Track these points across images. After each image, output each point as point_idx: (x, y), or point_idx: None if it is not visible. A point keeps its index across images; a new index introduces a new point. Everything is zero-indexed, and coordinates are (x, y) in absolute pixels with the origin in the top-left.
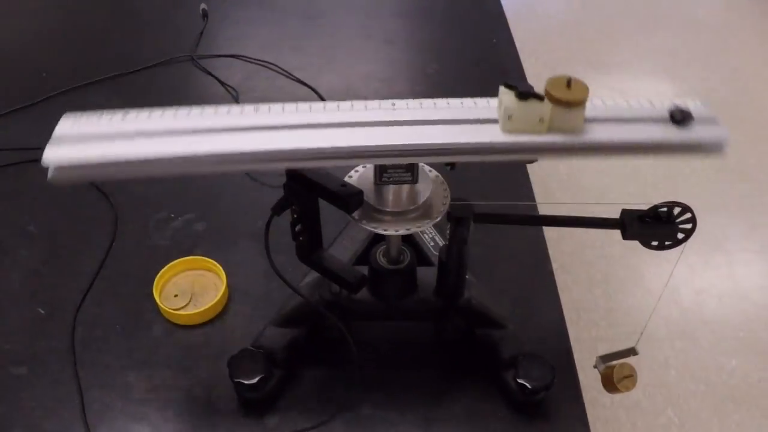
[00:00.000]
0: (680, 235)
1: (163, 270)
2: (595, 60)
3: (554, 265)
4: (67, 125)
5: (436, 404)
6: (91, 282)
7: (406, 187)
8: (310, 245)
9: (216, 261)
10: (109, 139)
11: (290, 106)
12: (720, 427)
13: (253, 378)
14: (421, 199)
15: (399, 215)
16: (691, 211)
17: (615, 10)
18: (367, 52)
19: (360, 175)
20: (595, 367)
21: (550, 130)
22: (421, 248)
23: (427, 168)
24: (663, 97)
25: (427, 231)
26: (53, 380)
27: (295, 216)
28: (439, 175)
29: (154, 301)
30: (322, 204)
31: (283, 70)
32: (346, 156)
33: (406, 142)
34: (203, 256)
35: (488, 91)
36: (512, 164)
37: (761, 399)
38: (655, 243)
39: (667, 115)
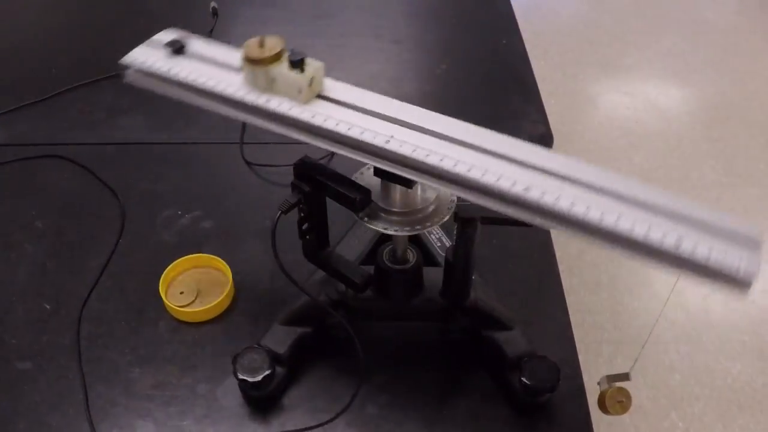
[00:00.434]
0: None
1: (169, 267)
2: (604, 62)
3: (561, 267)
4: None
5: (441, 404)
6: (97, 278)
7: (413, 187)
8: (317, 244)
9: (222, 259)
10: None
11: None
12: None
13: (257, 376)
14: (429, 199)
15: (406, 215)
16: None
17: (625, 12)
18: (375, 51)
19: (367, 174)
20: (598, 384)
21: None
22: (427, 248)
23: None
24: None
25: (434, 231)
26: (58, 375)
27: (303, 215)
28: None
29: (160, 297)
30: (330, 203)
31: None
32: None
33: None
34: (210, 253)
35: (497, 91)
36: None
37: (766, 403)
38: None
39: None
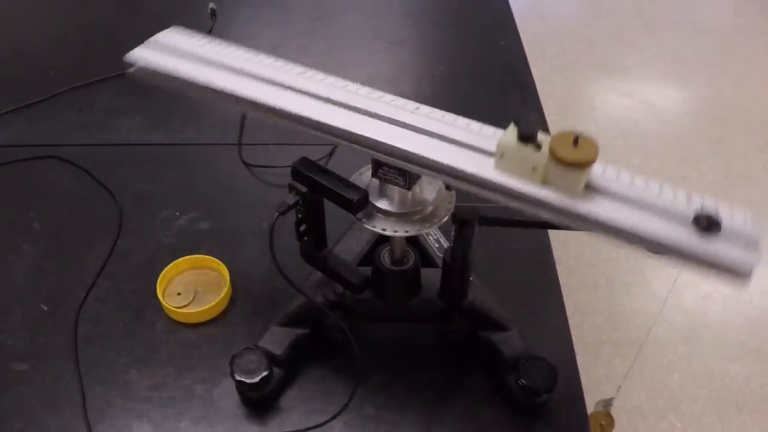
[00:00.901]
0: None
1: (167, 268)
2: (602, 63)
3: (559, 268)
4: (168, 36)
5: (438, 405)
6: (94, 279)
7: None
8: (314, 245)
9: (220, 260)
10: (198, 62)
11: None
12: None
13: (255, 377)
14: (427, 200)
15: (404, 217)
16: None
17: (623, 13)
18: (374, 52)
19: (365, 176)
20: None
21: (546, 183)
22: (425, 249)
23: None
24: (690, 183)
25: (431, 232)
26: (55, 376)
27: (300, 216)
28: None
29: (158, 298)
30: (327, 204)
31: None
32: (337, 135)
33: (396, 144)
34: (207, 254)
35: (495, 92)
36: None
37: (763, 404)
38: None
39: (690, 214)
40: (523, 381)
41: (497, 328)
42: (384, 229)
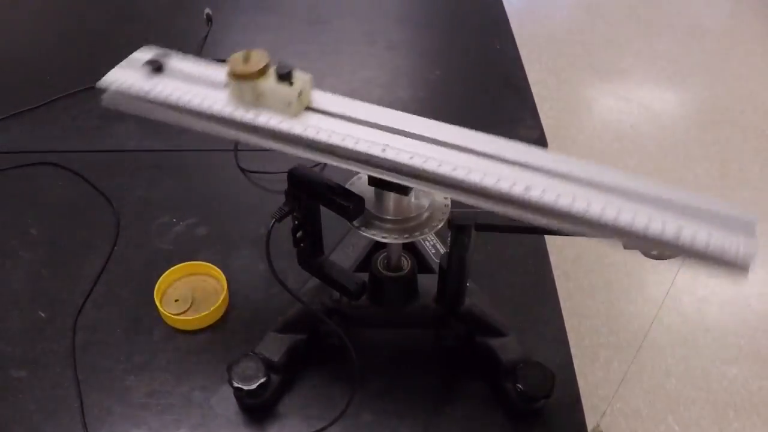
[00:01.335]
0: None
1: (164, 275)
2: (598, 66)
3: (556, 272)
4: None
5: (436, 411)
6: (92, 286)
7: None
8: (311, 252)
9: (217, 266)
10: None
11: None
12: None
13: (252, 384)
14: (423, 206)
15: (400, 223)
16: None
17: (619, 16)
18: (369, 57)
19: (361, 182)
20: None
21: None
22: (422, 255)
23: None
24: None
25: (428, 238)
26: (53, 383)
27: (297, 222)
28: None
29: (155, 305)
30: (324, 210)
31: None
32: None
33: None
34: (204, 261)
35: (491, 96)
36: None
37: (762, 407)
38: (653, 252)
39: None
40: (521, 386)
41: (494, 334)
42: (380, 236)
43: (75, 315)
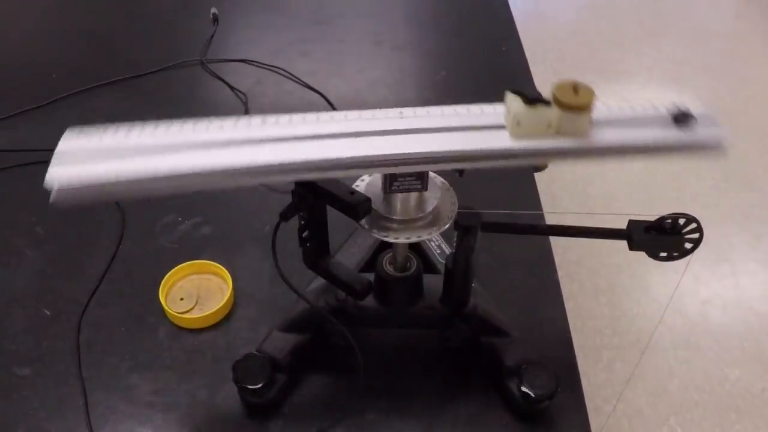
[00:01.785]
0: (687, 246)
1: (169, 273)
2: (603, 68)
3: (560, 273)
4: (71, 141)
5: (440, 411)
6: (97, 284)
7: (413, 196)
8: (317, 251)
9: (222, 265)
10: (117, 156)
11: (298, 117)
12: None
13: (257, 383)
14: (429, 207)
15: (406, 223)
16: (698, 223)
17: (624, 18)
18: (375, 58)
19: (368, 182)
20: None
21: (558, 134)
22: (427, 255)
23: (434, 176)
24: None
25: (433, 238)
26: (58, 381)
27: (303, 222)
28: (446, 183)
29: (160, 304)
30: (330, 210)
31: (292, 75)
32: (356, 166)
33: (417, 151)
34: (210, 259)
35: (497, 98)
36: (522, 169)
37: (764, 409)
38: (662, 254)
39: (668, 116)
40: (525, 387)
41: (499, 334)
42: (386, 236)
43: (80, 313)
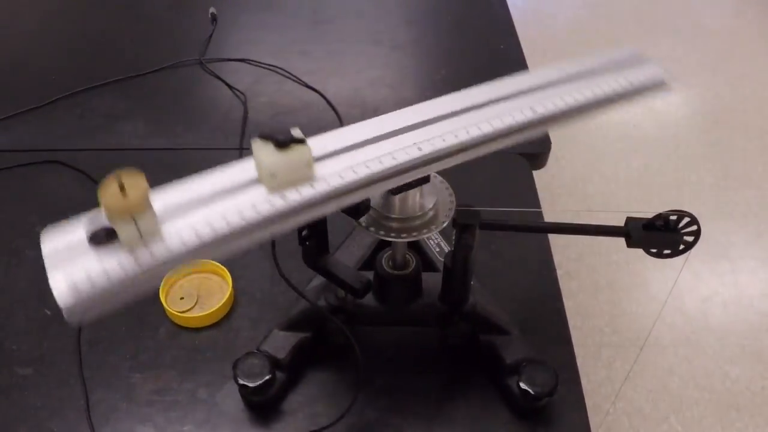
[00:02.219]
0: (685, 243)
1: (169, 272)
2: None
3: (559, 271)
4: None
5: (440, 409)
6: None
7: (412, 194)
8: (316, 250)
9: (222, 264)
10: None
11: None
12: None
13: (257, 381)
14: (428, 206)
15: (405, 222)
16: (695, 220)
17: (623, 16)
18: (375, 57)
19: None
20: None
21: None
22: (426, 254)
23: (433, 175)
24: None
25: (432, 237)
26: (59, 381)
27: None
28: (445, 181)
29: (160, 303)
30: None
31: (291, 74)
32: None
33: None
34: (210, 259)
35: None
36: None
37: (764, 407)
38: (660, 251)
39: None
40: (524, 385)
41: (498, 332)
42: (385, 235)
43: None
